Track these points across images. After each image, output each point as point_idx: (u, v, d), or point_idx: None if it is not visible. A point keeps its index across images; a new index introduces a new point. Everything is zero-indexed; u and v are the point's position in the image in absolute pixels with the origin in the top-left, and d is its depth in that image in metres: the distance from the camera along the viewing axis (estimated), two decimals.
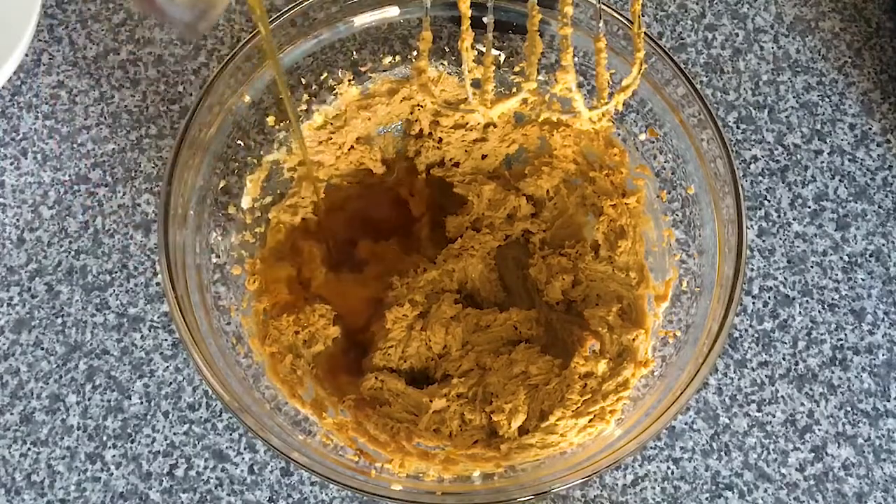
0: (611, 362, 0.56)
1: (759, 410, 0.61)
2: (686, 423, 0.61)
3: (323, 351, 0.60)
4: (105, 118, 0.68)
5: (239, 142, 0.58)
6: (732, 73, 0.70)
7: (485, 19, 0.46)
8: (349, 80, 0.61)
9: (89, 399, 0.61)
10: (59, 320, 0.62)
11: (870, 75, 0.70)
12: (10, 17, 0.65)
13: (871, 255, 0.65)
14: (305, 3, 0.56)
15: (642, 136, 0.59)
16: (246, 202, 0.60)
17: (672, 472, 0.60)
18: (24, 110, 0.68)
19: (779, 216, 0.66)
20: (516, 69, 0.62)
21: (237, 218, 0.59)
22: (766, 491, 0.59)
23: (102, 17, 0.71)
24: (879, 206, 0.67)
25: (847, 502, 0.59)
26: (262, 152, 0.60)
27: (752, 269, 0.65)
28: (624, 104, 0.54)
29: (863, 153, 0.68)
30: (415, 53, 0.60)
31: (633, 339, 0.57)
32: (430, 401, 0.57)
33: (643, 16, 0.62)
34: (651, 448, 0.60)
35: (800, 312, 0.64)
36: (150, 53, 0.70)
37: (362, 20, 0.58)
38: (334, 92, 0.61)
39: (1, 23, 0.65)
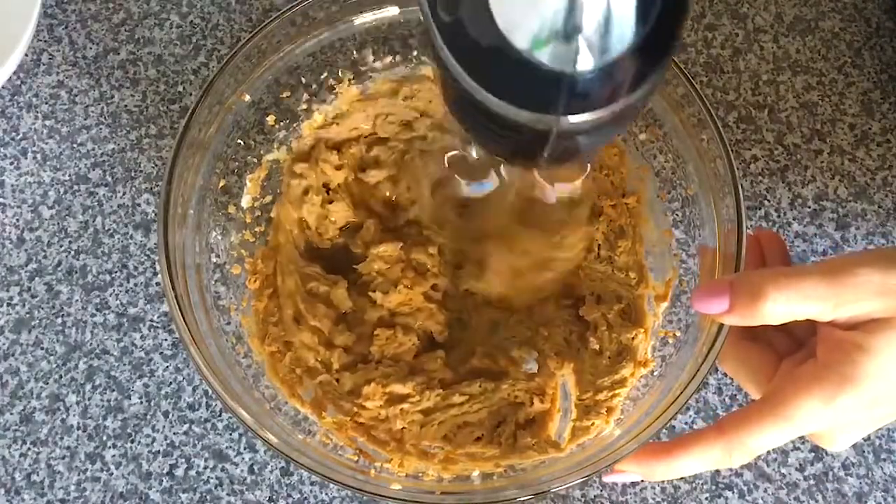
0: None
1: None
2: (686, 423, 0.61)
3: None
4: (105, 118, 0.68)
5: (239, 141, 0.58)
6: (732, 73, 0.70)
7: None
8: (349, 80, 0.61)
9: (89, 399, 0.61)
10: (59, 320, 0.62)
11: (870, 75, 0.70)
12: (10, 17, 0.65)
13: None
14: (305, 3, 0.56)
15: (642, 136, 0.59)
16: (246, 201, 0.60)
17: None
18: (24, 110, 0.68)
19: (779, 216, 0.66)
20: None
21: (237, 217, 0.59)
22: (766, 491, 0.59)
23: (102, 17, 0.71)
24: (879, 206, 0.67)
25: (847, 502, 0.59)
26: (262, 152, 0.60)
27: None
28: None
29: (863, 153, 0.68)
30: (415, 53, 0.60)
31: (633, 339, 0.57)
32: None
33: None
34: None
35: None
36: (150, 53, 0.70)
37: (362, 20, 0.58)
38: (334, 91, 0.61)
39: (1, 23, 0.65)
